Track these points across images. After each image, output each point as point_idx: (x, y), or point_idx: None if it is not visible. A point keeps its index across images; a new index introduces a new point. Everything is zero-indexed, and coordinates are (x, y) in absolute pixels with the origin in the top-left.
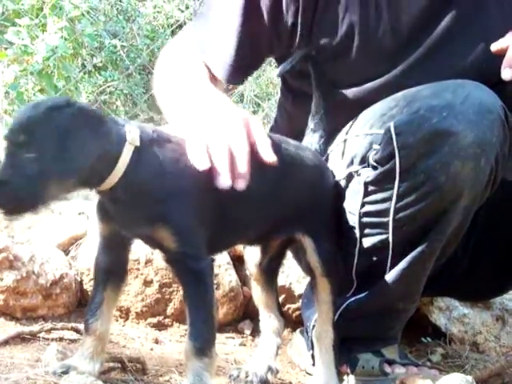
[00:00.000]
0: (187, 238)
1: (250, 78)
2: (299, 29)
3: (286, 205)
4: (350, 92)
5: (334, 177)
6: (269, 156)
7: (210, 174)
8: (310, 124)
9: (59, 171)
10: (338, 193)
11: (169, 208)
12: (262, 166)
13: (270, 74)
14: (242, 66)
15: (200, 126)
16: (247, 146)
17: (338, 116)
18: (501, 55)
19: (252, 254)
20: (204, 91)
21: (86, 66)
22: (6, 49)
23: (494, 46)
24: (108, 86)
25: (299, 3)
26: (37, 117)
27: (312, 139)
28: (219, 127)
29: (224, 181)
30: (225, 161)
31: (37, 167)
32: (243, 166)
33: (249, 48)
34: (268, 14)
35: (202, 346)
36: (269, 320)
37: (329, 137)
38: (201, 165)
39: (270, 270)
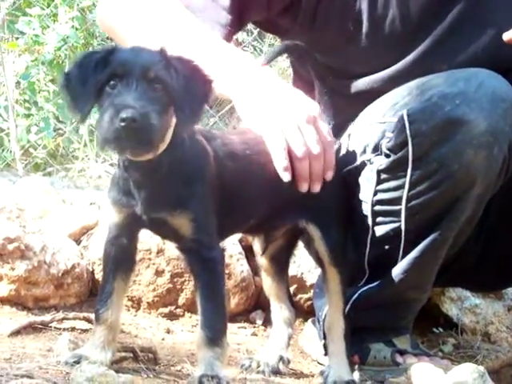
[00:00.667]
0: (203, 225)
1: None
2: (301, 13)
3: (286, 192)
4: (363, 81)
5: (344, 166)
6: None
7: (219, 162)
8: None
9: (186, 114)
10: (349, 182)
11: (191, 193)
12: (263, 156)
13: (281, 64)
14: (233, 29)
15: (275, 122)
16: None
17: (352, 105)
18: None
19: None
20: (251, 69)
21: None
22: (17, 38)
23: (506, 35)
24: None
25: None
26: (160, 60)
27: None
28: (295, 125)
29: (304, 187)
30: (306, 170)
31: (165, 104)
32: (319, 170)
33: (239, 12)
34: None
35: (214, 335)
36: (280, 311)
37: (338, 123)
38: (286, 178)
39: (280, 261)
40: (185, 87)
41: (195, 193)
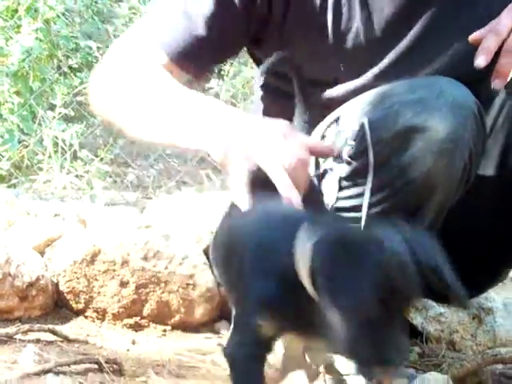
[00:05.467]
0: None
1: (225, 78)
2: (269, 28)
3: None
4: (328, 93)
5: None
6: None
7: None
8: (295, 123)
9: None
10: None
11: None
12: None
13: (245, 74)
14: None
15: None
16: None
17: (318, 117)
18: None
19: None
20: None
21: (61, 68)
22: None
23: (472, 37)
24: (84, 88)
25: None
26: None
27: None
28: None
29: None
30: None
31: None
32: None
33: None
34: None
35: None
36: None
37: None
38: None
39: None
40: None
41: None
